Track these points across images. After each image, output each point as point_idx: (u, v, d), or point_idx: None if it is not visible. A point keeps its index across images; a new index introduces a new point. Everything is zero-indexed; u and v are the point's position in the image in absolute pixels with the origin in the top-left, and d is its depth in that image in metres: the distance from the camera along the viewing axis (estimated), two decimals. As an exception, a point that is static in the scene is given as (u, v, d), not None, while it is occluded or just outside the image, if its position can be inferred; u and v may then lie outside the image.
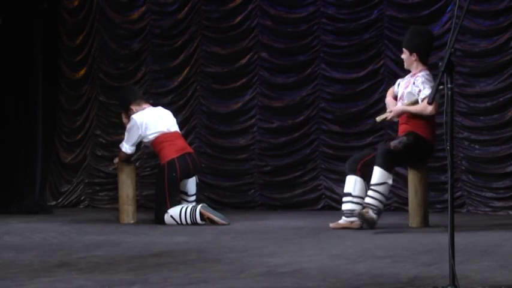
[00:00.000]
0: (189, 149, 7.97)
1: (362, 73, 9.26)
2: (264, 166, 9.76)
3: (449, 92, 3.73)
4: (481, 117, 8.70)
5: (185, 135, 9.71)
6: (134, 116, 7.77)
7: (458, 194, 8.66)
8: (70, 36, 10.72)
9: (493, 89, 8.61)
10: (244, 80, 9.81)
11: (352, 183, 6.97)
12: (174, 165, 7.68)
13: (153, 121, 7.79)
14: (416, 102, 6.92)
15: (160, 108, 8.03)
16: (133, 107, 7.87)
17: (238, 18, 9.84)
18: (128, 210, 8.03)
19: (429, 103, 4.08)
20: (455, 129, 8.49)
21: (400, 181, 8.90)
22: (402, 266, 4.65)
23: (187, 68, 10.07)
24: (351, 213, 6.93)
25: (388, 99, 7.19)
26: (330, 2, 9.46)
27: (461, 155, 8.73)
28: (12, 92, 10.08)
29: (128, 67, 10.41)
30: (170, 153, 7.72)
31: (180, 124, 9.70)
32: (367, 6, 9.26)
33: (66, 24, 10.73)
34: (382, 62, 9.18)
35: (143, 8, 10.35)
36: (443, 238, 4.86)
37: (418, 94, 6.89)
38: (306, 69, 9.54)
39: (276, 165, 9.69)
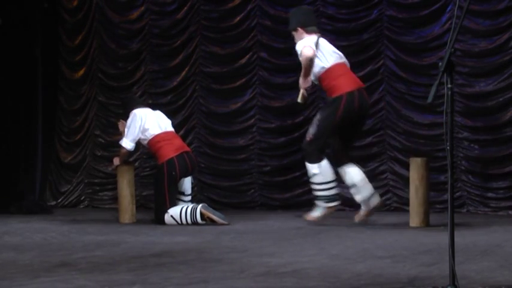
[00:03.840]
0: (187, 148, 8.07)
1: (361, 73, 9.23)
2: (263, 166, 9.76)
3: (449, 92, 3.73)
4: (481, 117, 8.69)
5: (184, 135, 9.73)
6: (134, 110, 7.95)
7: (458, 194, 8.66)
8: (69, 36, 10.72)
9: (492, 89, 8.60)
10: (243, 80, 9.81)
11: (351, 173, 7.35)
12: (174, 164, 7.71)
13: (150, 117, 7.97)
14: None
15: (157, 111, 8.19)
16: None
17: (238, 18, 9.83)
18: (128, 210, 8.04)
19: (429, 102, 4.05)
20: (455, 129, 8.49)
21: (400, 181, 8.90)
22: (402, 266, 4.65)
23: (187, 68, 10.06)
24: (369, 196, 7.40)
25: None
26: (329, 2, 9.45)
27: (461, 155, 8.73)
28: (12, 92, 10.08)
29: (127, 67, 10.40)
30: (169, 152, 7.76)
31: (179, 124, 9.74)
32: (367, 6, 9.25)
33: (65, 24, 10.73)
34: (381, 62, 9.18)
35: (142, 8, 10.35)
36: (443, 238, 4.86)
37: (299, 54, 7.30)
38: (305, 69, 9.53)
39: (276, 165, 9.68)
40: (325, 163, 7.23)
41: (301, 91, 7.40)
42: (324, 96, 9.47)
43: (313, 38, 7.35)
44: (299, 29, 7.41)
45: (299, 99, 7.51)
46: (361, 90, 7.34)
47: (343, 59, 7.42)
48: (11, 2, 10.01)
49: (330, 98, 7.34)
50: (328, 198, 7.29)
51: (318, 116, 7.32)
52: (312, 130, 7.24)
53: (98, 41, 10.53)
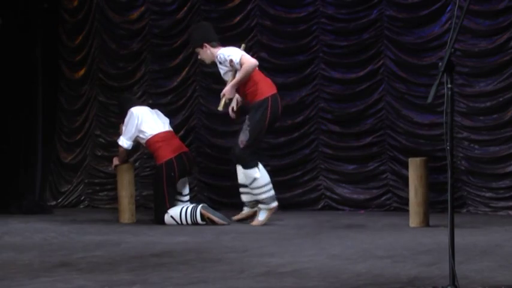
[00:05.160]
0: (185, 148, 8.11)
1: (361, 73, 9.25)
2: (263, 166, 9.74)
3: (449, 92, 3.74)
4: (481, 117, 8.69)
5: (184, 135, 9.73)
6: (132, 109, 8.01)
7: (458, 194, 8.66)
8: (70, 36, 10.72)
9: (492, 89, 8.60)
10: (243, 80, 9.79)
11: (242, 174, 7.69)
12: (172, 165, 7.73)
13: (148, 116, 8.01)
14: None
15: (155, 110, 8.23)
16: None
17: (238, 18, 9.83)
18: (127, 210, 8.04)
19: (429, 102, 4.04)
20: (455, 129, 8.48)
21: (400, 181, 8.90)
22: (402, 266, 4.66)
23: (187, 68, 10.06)
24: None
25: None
26: (329, 1, 9.45)
27: (461, 155, 8.73)
28: (12, 92, 10.08)
29: (127, 67, 10.40)
30: (167, 153, 7.78)
31: (180, 124, 9.74)
32: (367, 6, 9.24)
33: (65, 24, 10.73)
34: (381, 62, 9.17)
35: (142, 8, 10.34)
36: (443, 238, 4.87)
37: (231, 64, 7.54)
38: (305, 69, 9.54)
39: (276, 165, 9.66)
40: (261, 166, 7.58)
41: (224, 99, 7.63)
42: (324, 96, 9.51)
43: (234, 47, 7.63)
44: (206, 44, 7.73)
45: (221, 107, 7.71)
46: (278, 95, 7.67)
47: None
48: (11, 2, 10.01)
49: (255, 101, 7.55)
50: (271, 199, 7.51)
51: (247, 122, 7.53)
52: (243, 137, 7.49)
53: (98, 41, 10.52)
